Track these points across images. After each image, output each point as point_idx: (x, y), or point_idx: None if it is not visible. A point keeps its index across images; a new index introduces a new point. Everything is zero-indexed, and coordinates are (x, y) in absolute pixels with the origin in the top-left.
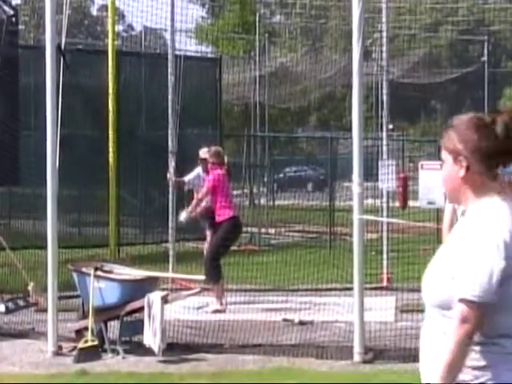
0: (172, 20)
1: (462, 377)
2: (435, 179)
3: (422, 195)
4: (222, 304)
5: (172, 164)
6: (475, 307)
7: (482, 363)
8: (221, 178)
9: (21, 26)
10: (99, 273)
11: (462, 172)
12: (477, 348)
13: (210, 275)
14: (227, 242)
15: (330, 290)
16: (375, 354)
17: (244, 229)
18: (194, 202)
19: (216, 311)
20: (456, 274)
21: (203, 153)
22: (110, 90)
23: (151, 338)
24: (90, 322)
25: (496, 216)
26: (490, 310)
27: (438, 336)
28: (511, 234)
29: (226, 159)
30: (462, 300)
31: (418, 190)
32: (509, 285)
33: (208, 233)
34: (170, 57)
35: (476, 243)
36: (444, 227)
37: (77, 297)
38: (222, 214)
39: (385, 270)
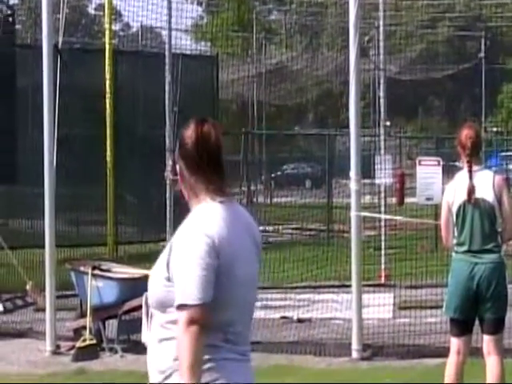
0: (169, 18)
1: (166, 365)
2: (433, 175)
3: (419, 191)
4: None
5: (169, 162)
6: (198, 309)
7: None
8: None
9: (18, 26)
10: (97, 272)
11: (181, 175)
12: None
13: None
14: None
15: (328, 287)
16: (373, 350)
17: None
18: None
19: None
20: (172, 277)
21: None
22: (108, 89)
23: (149, 336)
24: (88, 320)
25: (207, 220)
26: (212, 307)
27: (161, 335)
28: (220, 235)
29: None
30: (183, 305)
31: (415, 187)
32: (216, 284)
33: None
34: (167, 55)
35: (188, 248)
36: (442, 224)
37: (75, 296)
38: None
39: (383, 267)
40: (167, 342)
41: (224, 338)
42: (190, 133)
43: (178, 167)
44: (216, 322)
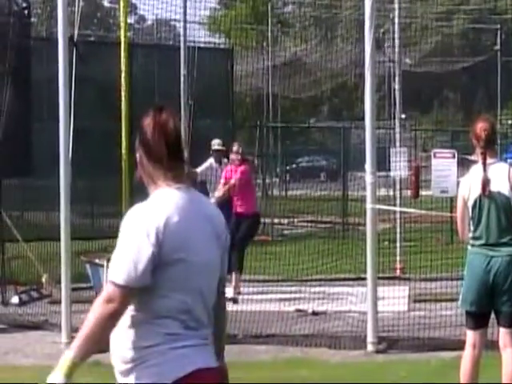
0: (184, 11)
1: (129, 355)
2: (448, 168)
3: (434, 184)
4: (239, 293)
5: (185, 155)
6: (120, 290)
7: (149, 343)
8: (249, 172)
9: (33, 19)
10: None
11: (140, 163)
12: (144, 328)
13: (237, 264)
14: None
15: (343, 279)
16: (388, 343)
17: None
18: (224, 189)
19: (231, 299)
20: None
21: (215, 144)
22: (123, 82)
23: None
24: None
25: (156, 205)
26: (150, 293)
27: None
28: (168, 223)
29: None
30: (109, 281)
31: (430, 179)
32: (166, 270)
33: None
34: (182, 48)
35: (128, 229)
36: (458, 218)
37: (90, 288)
38: (246, 208)
39: (398, 260)
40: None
41: (184, 326)
42: (148, 121)
43: (137, 154)
44: (169, 310)
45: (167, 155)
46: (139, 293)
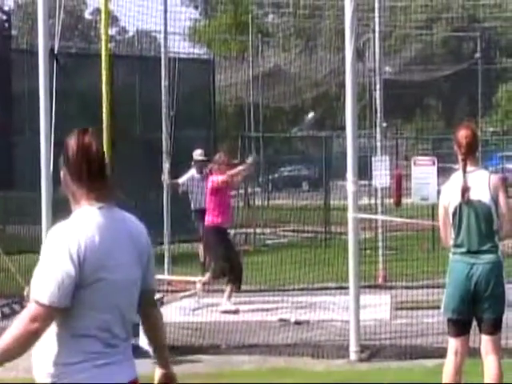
0: (165, 22)
1: (51, 371)
2: (428, 175)
3: (414, 191)
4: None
5: (166, 166)
6: (44, 309)
7: (71, 360)
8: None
9: (14, 31)
10: None
11: (64, 181)
12: (66, 346)
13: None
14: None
15: (326, 288)
16: (371, 352)
17: (239, 229)
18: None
19: (230, 311)
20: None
21: (197, 154)
22: (104, 93)
23: (147, 340)
24: None
25: (77, 224)
26: (71, 312)
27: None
28: (87, 243)
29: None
30: (33, 300)
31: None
32: (87, 290)
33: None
34: (162, 59)
35: (50, 249)
36: (440, 225)
37: None
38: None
39: (380, 268)
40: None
41: (104, 343)
42: (71, 142)
43: (61, 173)
44: (89, 329)
45: (89, 175)
46: (61, 311)
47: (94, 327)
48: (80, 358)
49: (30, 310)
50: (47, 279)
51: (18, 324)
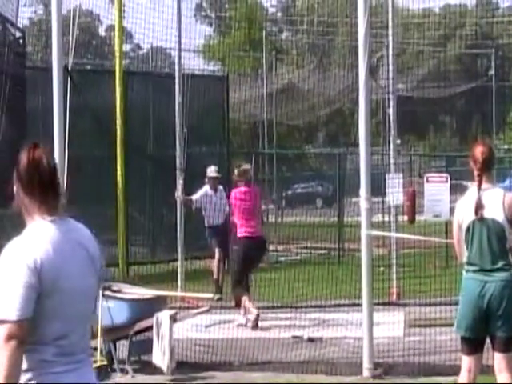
0: (179, 39)
1: None
2: (441, 192)
3: (427, 208)
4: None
5: (180, 182)
6: (17, 325)
7: (25, 367)
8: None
9: (28, 48)
10: (108, 292)
11: (17, 195)
12: (24, 354)
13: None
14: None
15: (339, 305)
16: (385, 369)
17: None
18: None
19: (254, 320)
20: None
21: (211, 171)
22: (118, 110)
23: (160, 356)
24: (98, 341)
25: (32, 239)
26: (36, 322)
27: None
28: (42, 254)
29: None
30: (2, 321)
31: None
32: (44, 301)
33: (216, 251)
34: (176, 76)
35: (9, 265)
36: (454, 242)
37: None
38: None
39: (394, 285)
40: None
41: (56, 352)
42: (23, 157)
43: (15, 187)
44: (46, 337)
45: (40, 189)
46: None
47: (50, 336)
48: (32, 365)
49: (2, 332)
50: (10, 296)
51: (1, 349)
